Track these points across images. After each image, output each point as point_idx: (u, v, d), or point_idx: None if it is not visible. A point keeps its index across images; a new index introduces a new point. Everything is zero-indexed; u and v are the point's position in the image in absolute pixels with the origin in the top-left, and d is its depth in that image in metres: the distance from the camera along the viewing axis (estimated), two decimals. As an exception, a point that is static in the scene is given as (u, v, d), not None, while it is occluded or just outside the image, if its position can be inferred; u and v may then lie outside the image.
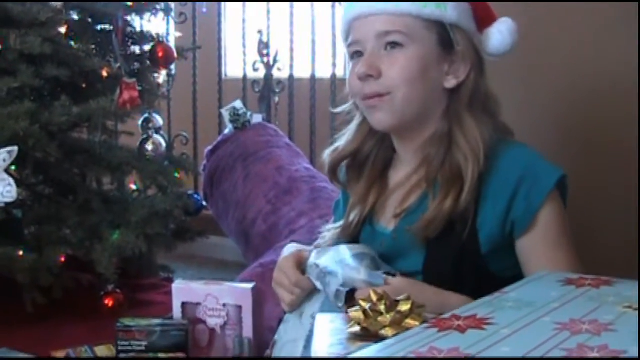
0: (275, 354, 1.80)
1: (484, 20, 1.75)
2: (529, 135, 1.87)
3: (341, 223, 1.85)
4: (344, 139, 1.84)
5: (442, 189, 1.64)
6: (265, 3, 3.97)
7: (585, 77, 2.49)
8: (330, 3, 3.76)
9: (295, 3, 3.92)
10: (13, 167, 2.66)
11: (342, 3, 1.80)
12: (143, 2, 3.22)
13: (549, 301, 1.10)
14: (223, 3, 4.16)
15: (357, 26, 1.71)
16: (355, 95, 1.74)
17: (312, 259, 1.70)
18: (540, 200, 1.61)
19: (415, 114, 1.69)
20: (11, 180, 2.59)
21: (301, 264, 1.76)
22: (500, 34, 1.76)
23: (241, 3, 4.04)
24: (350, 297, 1.53)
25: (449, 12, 1.67)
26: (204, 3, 4.03)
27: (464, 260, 1.62)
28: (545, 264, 1.57)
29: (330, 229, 1.88)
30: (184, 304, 2.28)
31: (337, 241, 1.83)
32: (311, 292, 1.73)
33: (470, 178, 1.61)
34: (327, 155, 1.87)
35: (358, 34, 1.70)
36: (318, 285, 1.67)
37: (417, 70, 1.66)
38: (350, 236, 1.81)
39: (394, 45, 1.66)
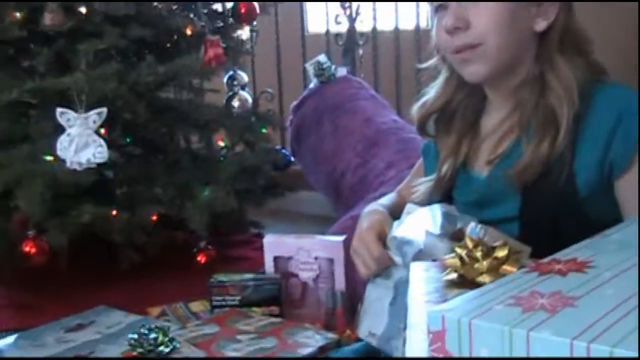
0: (362, 313, 1.79)
1: None
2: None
3: (434, 176, 1.82)
4: (432, 93, 1.80)
5: (537, 133, 1.60)
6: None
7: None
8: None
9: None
10: (102, 129, 2.68)
11: None
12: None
13: (651, 242, 1.07)
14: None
15: None
16: (445, 49, 1.69)
17: (392, 231, 1.68)
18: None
19: (508, 61, 1.65)
20: (102, 142, 2.62)
21: (382, 237, 1.74)
22: None
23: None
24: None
25: None
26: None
27: (561, 205, 1.58)
28: None
29: (423, 182, 1.85)
30: (275, 258, 2.28)
31: (430, 196, 1.81)
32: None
33: (566, 120, 1.56)
34: (415, 110, 1.82)
35: None
36: (397, 260, 1.65)
37: (506, 16, 1.61)
38: (444, 188, 1.79)
39: None
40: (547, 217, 1.58)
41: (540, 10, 1.64)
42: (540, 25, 1.64)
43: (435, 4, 1.68)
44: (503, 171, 1.64)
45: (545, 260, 1.04)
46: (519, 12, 1.62)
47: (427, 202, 1.80)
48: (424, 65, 1.82)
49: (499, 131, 1.72)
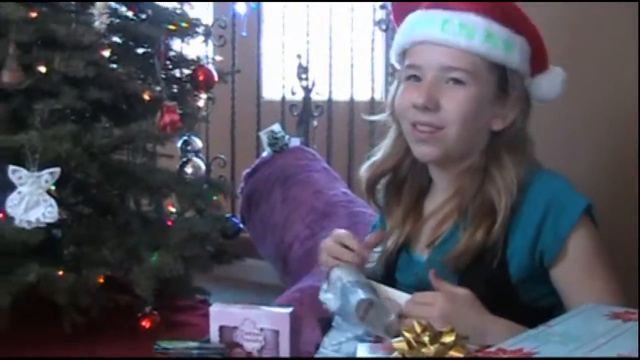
0: None
1: (539, 66, 1.74)
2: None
3: (379, 250, 1.84)
4: (379, 154, 1.82)
5: (474, 222, 1.64)
6: (304, 27, 3.99)
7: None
8: (370, 27, 3.78)
9: (334, 28, 3.94)
10: (53, 187, 2.68)
11: (400, 28, 1.76)
12: (184, 25, 3.25)
13: (595, 336, 1.10)
14: (262, 26, 4.18)
15: (421, 51, 1.68)
16: (404, 118, 1.72)
17: (336, 274, 1.69)
18: (568, 228, 1.60)
19: (460, 151, 1.68)
20: (53, 201, 2.62)
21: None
22: (551, 83, 1.75)
23: (280, 26, 4.06)
24: (367, 309, 1.53)
25: (515, 57, 1.66)
26: (244, 27, 4.04)
27: (495, 289, 1.62)
28: (584, 292, 1.57)
29: (376, 252, 1.87)
30: (221, 327, 2.27)
31: (375, 269, 1.83)
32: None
33: (503, 211, 1.61)
34: (363, 170, 1.84)
35: (420, 60, 1.68)
36: (335, 300, 1.66)
37: (474, 110, 1.65)
38: (388, 263, 1.81)
39: (455, 81, 1.65)
40: (482, 300, 1.61)
41: (501, 112, 1.68)
42: (498, 125, 1.69)
43: (408, 73, 1.70)
44: (441, 255, 1.67)
45: (492, 349, 1.07)
46: (484, 109, 1.66)
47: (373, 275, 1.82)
48: (375, 117, 1.84)
49: (439, 214, 1.75)
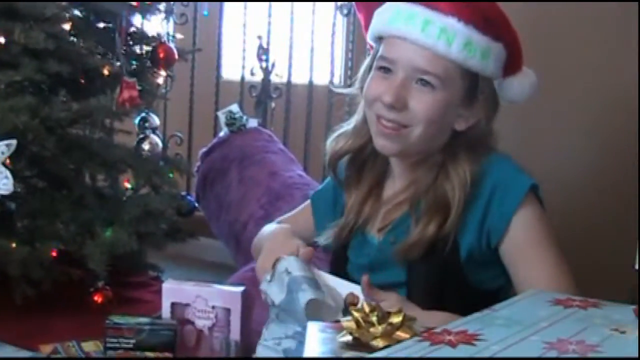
0: None
1: (512, 69, 1.76)
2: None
3: (338, 222, 1.86)
4: (350, 129, 1.84)
5: (426, 215, 1.68)
6: (266, 8, 3.99)
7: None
8: (332, 11, 3.79)
9: (295, 10, 3.95)
10: (7, 159, 2.66)
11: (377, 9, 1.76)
12: (146, 2, 3.24)
13: (537, 320, 1.13)
14: (224, 6, 4.18)
15: (397, 45, 1.69)
16: (370, 108, 1.74)
17: (283, 266, 1.70)
18: (513, 208, 1.64)
19: (420, 149, 1.72)
20: (8, 173, 2.60)
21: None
22: (520, 86, 1.77)
23: (242, 7, 4.06)
24: (315, 309, 1.56)
25: (490, 64, 1.68)
26: (206, 6, 4.04)
27: (446, 273, 1.66)
28: (531, 268, 1.61)
29: (332, 226, 1.88)
30: (173, 304, 2.29)
31: (333, 243, 1.85)
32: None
33: (456, 206, 1.64)
34: (329, 143, 1.88)
35: (394, 54, 1.69)
36: (279, 294, 1.67)
37: (440, 113, 1.68)
38: (342, 240, 1.83)
39: (425, 83, 1.66)
40: (433, 284, 1.65)
41: (466, 113, 1.71)
42: (461, 125, 1.72)
43: (380, 64, 1.72)
44: (392, 240, 1.70)
45: (438, 329, 1.10)
46: (450, 111, 1.69)
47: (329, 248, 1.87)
48: (343, 91, 1.86)
49: (393, 200, 1.78)
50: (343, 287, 1.69)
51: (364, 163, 1.85)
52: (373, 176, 1.84)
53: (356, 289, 1.67)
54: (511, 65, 1.75)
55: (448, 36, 1.64)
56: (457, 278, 1.66)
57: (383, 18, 1.75)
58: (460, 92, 1.69)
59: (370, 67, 1.76)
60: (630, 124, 2.40)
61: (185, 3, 4.01)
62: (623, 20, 2.41)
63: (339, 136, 1.86)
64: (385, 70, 1.71)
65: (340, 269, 1.85)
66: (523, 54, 1.77)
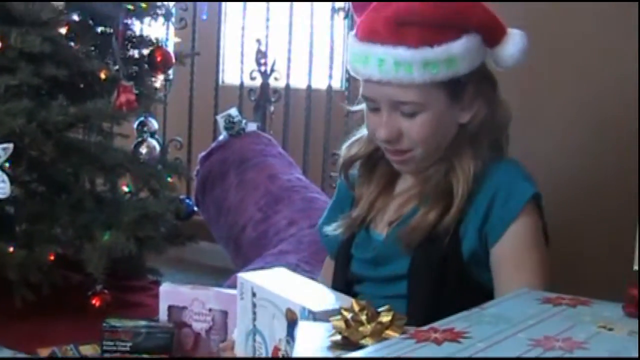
0: None
1: (495, 38, 1.73)
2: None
3: (346, 215, 1.89)
4: (362, 137, 1.86)
5: (430, 203, 1.69)
6: (264, 12, 4.00)
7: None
8: (329, 13, 3.80)
9: (294, 14, 3.95)
10: (7, 164, 2.67)
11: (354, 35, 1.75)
12: (143, 6, 3.25)
13: (525, 318, 1.13)
14: (223, 11, 4.19)
15: (368, 86, 1.71)
16: (374, 139, 1.78)
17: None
18: (513, 214, 1.65)
19: (432, 159, 1.75)
20: (5, 177, 2.61)
21: None
22: (508, 52, 1.74)
23: (241, 11, 4.07)
24: None
25: (460, 65, 1.67)
26: (205, 10, 4.05)
27: (447, 267, 1.67)
28: (511, 273, 1.61)
29: (345, 217, 1.90)
30: (170, 307, 2.29)
31: (341, 235, 1.87)
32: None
33: (459, 197, 1.66)
34: (343, 149, 1.90)
35: (372, 94, 1.71)
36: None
37: (434, 128, 1.70)
38: (348, 234, 1.86)
39: (408, 111, 1.68)
40: (434, 277, 1.66)
41: (462, 106, 1.72)
42: (465, 117, 1.73)
43: (367, 101, 1.74)
44: (396, 237, 1.72)
45: (424, 328, 1.10)
46: (444, 118, 1.70)
47: (338, 238, 1.88)
48: (355, 108, 1.87)
49: (404, 196, 1.80)
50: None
51: (374, 166, 1.87)
52: (384, 174, 1.86)
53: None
54: (491, 38, 1.73)
55: (405, 67, 1.64)
56: (458, 274, 1.68)
57: (348, 59, 1.76)
58: (445, 99, 1.69)
59: None
60: (631, 124, 2.40)
61: (184, 7, 4.03)
62: (623, 20, 2.40)
63: (352, 143, 1.89)
64: (373, 107, 1.73)
65: (344, 266, 1.87)
66: (499, 19, 1.75)
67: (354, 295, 1.78)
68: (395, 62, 1.64)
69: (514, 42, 1.74)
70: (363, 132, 1.86)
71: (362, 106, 1.82)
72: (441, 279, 1.67)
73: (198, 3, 4.06)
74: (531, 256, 1.68)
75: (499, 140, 1.78)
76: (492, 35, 1.73)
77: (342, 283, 1.86)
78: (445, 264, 1.67)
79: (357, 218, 1.85)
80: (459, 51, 1.65)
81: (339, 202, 1.98)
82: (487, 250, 1.68)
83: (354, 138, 1.89)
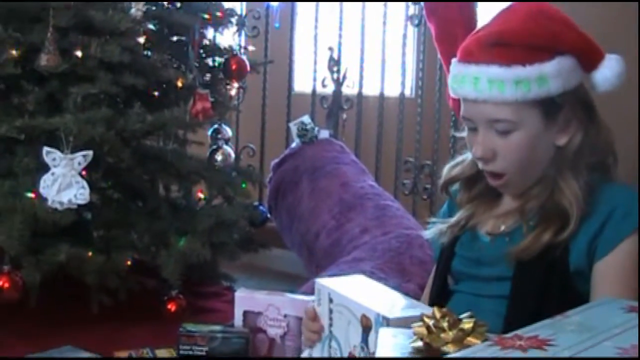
0: None
1: (592, 62, 1.75)
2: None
3: (446, 220, 1.90)
4: (466, 160, 1.89)
5: (542, 223, 1.70)
6: (337, 20, 4.01)
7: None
8: (402, 22, 3.80)
9: (366, 22, 3.96)
10: (85, 171, 2.72)
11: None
12: (218, 15, 3.28)
13: (610, 326, 1.12)
14: (296, 18, 4.21)
15: (466, 105, 1.75)
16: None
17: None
18: (628, 230, 1.65)
19: (531, 182, 1.76)
20: (84, 183, 2.66)
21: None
22: (603, 76, 1.76)
23: (313, 19, 4.09)
24: None
25: (552, 83, 1.68)
26: (277, 18, 4.08)
27: (552, 275, 1.68)
28: (609, 291, 1.60)
29: (436, 222, 1.93)
30: (245, 313, 2.32)
31: (439, 237, 1.89)
32: None
33: (574, 218, 1.66)
34: (446, 169, 1.93)
35: (469, 113, 1.75)
36: None
37: (528, 150, 1.71)
38: (452, 236, 1.87)
39: (502, 129, 1.70)
40: (538, 283, 1.67)
41: (562, 127, 1.73)
42: (562, 140, 1.73)
43: (466, 122, 1.77)
44: (504, 243, 1.73)
45: (508, 335, 1.10)
46: (540, 140, 1.72)
47: (436, 240, 1.91)
48: (460, 134, 1.90)
49: (506, 207, 1.82)
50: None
51: (476, 183, 1.89)
52: (486, 188, 1.87)
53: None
54: (587, 62, 1.75)
55: (498, 85, 1.68)
56: (562, 283, 1.68)
57: (449, 80, 1.81)
58: (540, 119, 1.71)
59: None
60: (631, 123, 2.37)
61: (257, 15, 4.06)
62: (623, 21, 2.38)
63: (455, 164, 1.93)
64: (471, 127, 1.77)
65: (447, 263, 1.89)
66: (598, 45, 1.77)
67: (449, 293, 1.83)
68: (489, 80, 1.68)
69: (610, 67, 1.76)
70: (467, 155, 1.88)
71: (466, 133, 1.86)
72: (546, 286, 1.68)
73: (271, 11, 4.08)
74: (635, 279, 1.67)
75: (604, 162, 1.79)
76: (588, 58, 1.75)
77: (442, 279, 1.88)
78: (551, 271, 1.68)
79: (457, 224, 1.87)
80: (550, 71, 1.68)
81: (444, 214, 2.01)
82: (591, 264, 1.68)
83: (457, 160, 1.93)
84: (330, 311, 1.70)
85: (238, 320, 2.32)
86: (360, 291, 1.67)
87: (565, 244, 1.67)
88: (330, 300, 1.70)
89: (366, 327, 1.55)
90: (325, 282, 1.75)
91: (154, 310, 2.97)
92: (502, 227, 1.79)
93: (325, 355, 1.73)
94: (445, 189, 1.94)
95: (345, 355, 1.65)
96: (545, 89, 1.68)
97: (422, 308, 1.58)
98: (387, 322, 1.48)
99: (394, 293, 1.71)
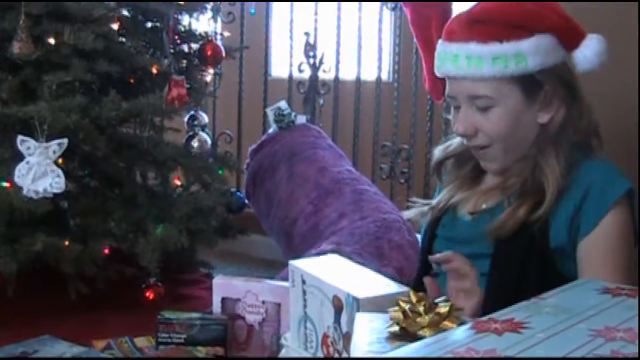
0: None
1: (573, 41, 1.79)
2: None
3: (428, 201, 1.97)
4: (455, 141, 1.95)
5: (519, 199, 1.73)
6: (312, 5, 4.00)
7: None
8: (377, 5, 3.78)
9: (342, 6, 3.95)
10: (59, 159, 2.70)
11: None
12: (193, 1, 3.26)
13: (585, 308, 1.13)
14: (271, 4, 4.19)
15: (449, 83, 1.81)
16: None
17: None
18: (607, 207, 1.67)
19: (515, 157, 1.80)
20: (60, 172, 2.64)
21: None
22: (584, 56, 1.79)
23: (289, 4, 4.07)
24: None
25: (530, 62, 1.72)
26: (252, 4, 4.06)
27: (532, 251, 1.70)
28: (598, 270, 1.62)
29: (417, 203, 1.98)
30: (223, 299, 2.31)
31: (420, 218, 1.96)
32: None
33: (550, 195, 1.69)
34: (437, 150, 1.99)
35: (451, 91, 1.81)
36: None
37: (509, 124, 1.76)
38: (432, 217, 1.93)
39: (482, 105, 1.75)
40: (516, 259, 1.70)
41: (544, 104, 1.75)
42: (544, 118, 1.77)
43: (449, 100, 1.84)
44: (485, 221, 1.77)
45: (484, 318, 1.10)
46: (522, 115, 1.76)
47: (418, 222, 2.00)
48: (449, 116, 1.93)
49: (488, 185, 1.88)
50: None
51: (466, 162, 1.95)
52: (473, 169, 1.92)
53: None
54: (568, 41, 1.77)
55: (475, 62, 1.73)
56: (542, 260, 1.72)
57: (435, 60, 1.86)
58: (519, 95, 1.75)
59: None
60: (630, 123, 2.38)
61: (232, 3, 4.04)
62: (623, 20, 2.39)
63: (445, 145, 1.99)
64: (455, 105, 1.83)
65: (429, 244, 1.94)
66: (576, 23, 1.79)
67: (433, 273, 1.85)
68: (467, 57, 1.74)
69: (590, 46, 1.78)
70: (454, 139, 1.92)
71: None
72: (525, 263, 1.71)
73: (246, -3, 4.07)
74: (622, 254, 1.70)
75: (588, 142, 1.80)
76: (569, 38, 1.78)
77: (424, 261, 1.91)
78: (531, 248, 1.71)
79: (438, 204, 1.92)
80: (528, 48, 1.72)
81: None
82: (574, 242, 1.70)
83: (447, 143, 1.99)
84: (304, 292, 1.71)
85: (216, 307, 2.32)
86: (332, 272, 1.69)
87: (545, 220, 1.70)
88: (303, 282, 1.71)
89: (338, 308, 1.56)
90: (298, 264, 1.76)
91: (133, 298, 2.96)
92: (484, 205, 1.83)
93: (301, 337, 1.74)
94: (438, 169, 1.99)
95: (320, 336, 1.66)
96: (522, 65, 1.71)
97: (394, 287, 1.59)
98: (358, 302, 1.49)
99: (368, 272, 1.73)
